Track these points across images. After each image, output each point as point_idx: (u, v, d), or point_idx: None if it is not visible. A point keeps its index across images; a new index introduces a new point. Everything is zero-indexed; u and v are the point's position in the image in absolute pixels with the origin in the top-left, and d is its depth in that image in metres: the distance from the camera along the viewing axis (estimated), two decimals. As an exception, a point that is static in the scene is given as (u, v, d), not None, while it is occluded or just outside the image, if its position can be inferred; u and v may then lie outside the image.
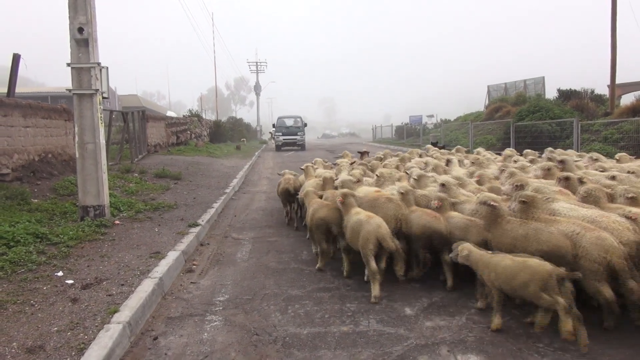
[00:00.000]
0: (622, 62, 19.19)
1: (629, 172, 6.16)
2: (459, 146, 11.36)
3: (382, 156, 9.85)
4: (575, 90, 24.17)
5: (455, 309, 4.38)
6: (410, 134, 40.54)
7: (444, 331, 3.93)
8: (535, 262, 3.70)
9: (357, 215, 4.93)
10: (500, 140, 20.91)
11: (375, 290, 4.60)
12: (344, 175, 6.55)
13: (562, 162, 6.67)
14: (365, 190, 5.90)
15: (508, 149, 10.26)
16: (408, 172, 6.84)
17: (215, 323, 4.24)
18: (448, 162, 8.02)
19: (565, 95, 23.89)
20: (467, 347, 3.64)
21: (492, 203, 4.48)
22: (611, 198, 4.82)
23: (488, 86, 37.02)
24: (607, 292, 3.73)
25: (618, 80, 19.95)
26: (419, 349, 3.65)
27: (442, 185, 5.58)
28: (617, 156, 7.90)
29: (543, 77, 31.96)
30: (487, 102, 35.70)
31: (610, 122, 16.18)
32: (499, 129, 22.96)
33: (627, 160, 7.54)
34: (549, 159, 7.41)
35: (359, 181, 6.55)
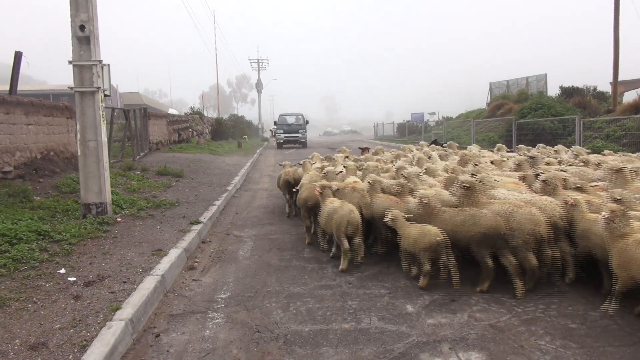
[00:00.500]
0: (624, 59, 19.15)
1: (597, 164, 6.88)
2: (450, 142, 12.40)
3: (375, 152, 10.76)
4: (577, 88, 24.12)
5: (456, 306, 4.38)
6: (412, 132, 40.51)
7: (445, 328, 3.93)
8: (429, 231, 4.72)
9: (332, 203, 5.64)
10: (502, 137, 20.87)
11: (344, 264, 5.46)
12: (329, 168, 7.44)
13: (532, 157, 7.26)
14: (349, 180, 6.66)
15: (498, 144, 10.76)
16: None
17: (217, 320, 4.25)
18: (430, 156, 8.80)
19: (568, 93, 23.84)
20: (468, 345, 3.64)
21: (422, 201, 5.14)
22: (565, 186, 5.47)
23: (490, 83, 36.94)
24: (533, 260, 4.48)
25: (621, 78, 19.87)
26: (420, 346, 3.65)
27: (404, 176, 6.34)
28: (605, 152, 8.75)
29: (545, 75, 31.89)
30: (489, 99, 35.64)
31: (613, 119, 16.14)
32: (501, 126, 22.94)
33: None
34: (523, 154, 8.35)
35: (340, 172, 7.26)
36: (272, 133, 45.09)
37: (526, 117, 19.76)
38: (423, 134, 34.71)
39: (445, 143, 13.32)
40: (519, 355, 3.46)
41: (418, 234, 4.79)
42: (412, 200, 5.50)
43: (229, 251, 6.58)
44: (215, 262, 6.04)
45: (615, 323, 3.93)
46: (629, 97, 24.93)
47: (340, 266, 5.45)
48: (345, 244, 5.33)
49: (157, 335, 3.95)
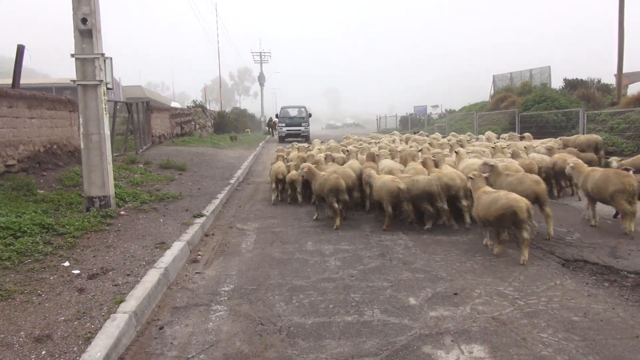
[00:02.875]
0: (629, 51, 18.97)
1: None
2: (421, 131, 16.87)
3: (372, 137, 14.72)
4: (581, 80, 23.96)
5: (459, 299, 4.39)
6: (415, 124, 40.38)
7: (448, 321, 3.94)
8: (292, 174, 9.17)
9: (274, 165, 9.96)
10: (505, 130, 20.78)
11: (273, 197, 9.67)
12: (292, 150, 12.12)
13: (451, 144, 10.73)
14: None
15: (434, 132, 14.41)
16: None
17: (221, 313, 4.28)
18: (393, 141, 12.62)
19: (572, 85, 23.70)
20: (471, 337, 3.65)
21: (303, 169, 8.02)
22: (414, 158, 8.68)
23: (493, 76, 36.72)
24: (346, 198, 7.49)
25: (625, 70, 19.72)
26: (423, 338, 3.66)
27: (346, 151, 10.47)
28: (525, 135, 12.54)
29: (549, 67, 31.67)
30: (492, 91, 35.45)
31: (617, 111, 16.04)
32: (504, 119, 22.87)
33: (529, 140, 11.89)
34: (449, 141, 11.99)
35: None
36: (270, 126, 44.22)
37: (529, 110, 19.68)
38: (426, 126, 34.60)
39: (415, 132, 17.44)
40: (521, 348, 3.47)
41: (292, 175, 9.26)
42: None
43: (232, 244, 6.60)
44: (218, 255, 6.06)
45: (618, 316, 3.93)
46: (633, 89, 24.75)
47: (272, 199, 9.64)
48: (273, 186, 9.63)
49: (161, 328, 3.98)
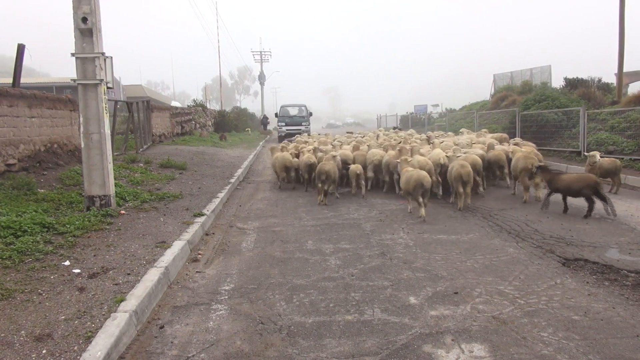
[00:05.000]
0: (630, 50, 18.90)
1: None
2: (397, 129, 20.53)
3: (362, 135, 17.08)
4: (582, 79, 23.88)
5: (459, 298, 4.39)
6: (415, 123, 40.31)
7: (448, 320, 3.94)
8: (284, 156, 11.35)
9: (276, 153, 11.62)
10: (505, 129, 20.74)
11: (278, 185, 11.55)
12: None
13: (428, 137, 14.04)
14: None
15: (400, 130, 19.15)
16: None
17: (221, 312, 4.28)
18: (378, 136, 15.63)
19: (572, 84, 23.62)
20: (471, 336, 3.65)
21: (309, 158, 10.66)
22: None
23: (494, 75, 36.67)
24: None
25: (626, 69, 19.66)
26: (423, 337, 3.66)
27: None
28: (483, 131, 15.24)
29: (550, 66, 31.65)
30: (492, 91, 35.40)
31: (617, 111, 16.00)
32: (505, 118, 22.80)
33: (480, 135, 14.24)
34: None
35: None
36: (264, 125, 44.14)
37: (530, 109, 19.63)
38: (426, 125, 34.56)
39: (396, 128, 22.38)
40: (522, 347, 3.47)
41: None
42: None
43: (232, 243, 6.60)
44: (219, 254, 6.07)
45: (618, 315, 3.93)
46: (634, 88, 24.70)
47: (280, 186, 11.39)
48: (283, 174, 11.19)
49: (161, 327, 3.98)
